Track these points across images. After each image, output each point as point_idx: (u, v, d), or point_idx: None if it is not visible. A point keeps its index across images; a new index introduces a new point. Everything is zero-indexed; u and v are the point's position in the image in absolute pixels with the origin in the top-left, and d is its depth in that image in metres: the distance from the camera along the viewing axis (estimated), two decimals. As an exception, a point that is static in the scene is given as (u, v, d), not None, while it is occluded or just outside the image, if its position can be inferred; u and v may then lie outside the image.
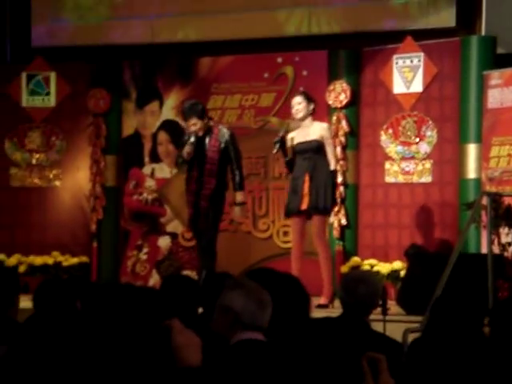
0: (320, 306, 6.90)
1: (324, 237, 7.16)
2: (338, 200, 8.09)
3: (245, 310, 2.76)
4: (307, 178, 7.02)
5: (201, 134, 7.07)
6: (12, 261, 8.78)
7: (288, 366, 2.65)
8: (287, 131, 7.21)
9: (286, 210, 7.33)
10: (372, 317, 3.98)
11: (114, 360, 2.07)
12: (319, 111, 7.55)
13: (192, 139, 7.03)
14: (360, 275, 4.07)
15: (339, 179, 8.13)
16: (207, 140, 7.07)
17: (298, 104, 7.14)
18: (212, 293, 3.80)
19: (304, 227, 7.12)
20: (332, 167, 7.13)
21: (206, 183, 7.02)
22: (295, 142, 7.16)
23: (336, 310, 6.60)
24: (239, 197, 7.13)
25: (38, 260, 8.77)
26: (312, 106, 7.16)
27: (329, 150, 7.13)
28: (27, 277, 8.47)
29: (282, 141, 7.10)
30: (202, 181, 7.02)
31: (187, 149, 7.01)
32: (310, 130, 7.13)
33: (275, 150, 7.17)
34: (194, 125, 7.05)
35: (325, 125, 7.29)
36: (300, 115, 7.14)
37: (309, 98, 7.17)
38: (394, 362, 2.42)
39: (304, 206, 7.02)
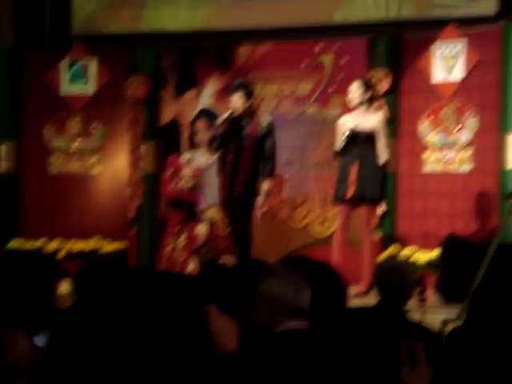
0: (357, 295, 6.87)
1: (371, 226, 7.11)
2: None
3: (284, 295, 2.76)
4: (355, 166, 6.97)
5: (238, 113, 7.01)
6: (52, 245, 8.87)
7: (329, 356, 2.64)
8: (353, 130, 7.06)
9: (334, 196, 7.27)
10: (410, 306, 3.95)
11: (153, 345, 2.08)
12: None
13: (225, 115, 6.98)
14: (393, 265, 4.03)
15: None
16: (247, 126, 7.05)
17: (355, 91, 7.07)
18: (245, 280, 3.80)
19: (349, 216, 7.07)
20: (383, 160, 7.06)
21: (242, 169, 7.00)
22: (347, 126, 7.09)
23: (373, 300, 6.59)
24: (267, 185, 7.10)
25: (78, 245, 8.85)
26: (369, 95, 7.08)
27: (381, 142, 7.05)
28: (67, 262, 8.56)
29: (347, 140, 6.97)
30: (238, 166, 7.00)
31: (220, 124, 6.95)
32: (365, 119, 7.06)
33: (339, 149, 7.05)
34: (236, 100, 7.01)
35: (379, 116, 7.21)
36: (355, 102, 7.07)
37: (367, 86, 7.08)
38: (431, 352, 2.40)
39: (350, 194, 6.98)
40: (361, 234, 7.11)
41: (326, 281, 3.16)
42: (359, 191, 6.95)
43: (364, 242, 7.07)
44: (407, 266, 4.58)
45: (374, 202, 7.04)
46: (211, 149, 7.67)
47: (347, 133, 6.96)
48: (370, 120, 7.04)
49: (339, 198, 7.07)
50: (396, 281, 3.76)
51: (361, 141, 7.00)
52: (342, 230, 7.05)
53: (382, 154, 7.05)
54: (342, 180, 7.03)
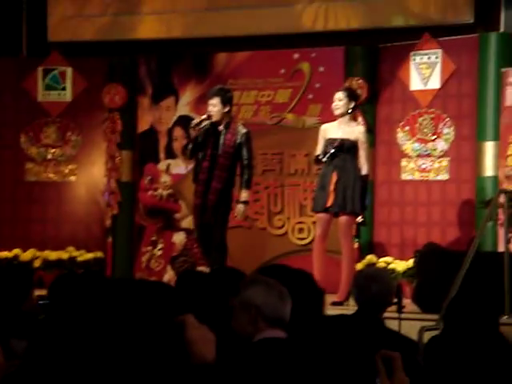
0: (335, 304, 6.87)
1: (350, 237, 7.10)
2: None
3: (266, 304, 2.74)
4: (335, 176, 6.96)
5: (214, 119, 6.98)
6: (27, 255, 8.80)
7: (306, 365, 2.62)
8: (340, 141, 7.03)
9: (313, 205, 7.27)
10: (387, 314, 3.95)
11: (129, 355, 2.06)
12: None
13: (199, 119, 6.96)
14: (373, 273, 4.03)
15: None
16: (224, 133, 7.03)
17: (339, 100, 7.05)
18: (220, 288, 3.79)
19: (329, 225, 7.06)
20: (364, 172, 7.04)
21: (218, 176, 6.97)
22: (328, 135, 7.07)
23: (351, 308, 6.58)
24: (245, 194, 7.06)
25: (53, 255, 8.78)
26: (352, 105, 7.06)
27: (362, 154, 7.03)
28: (42, 271, 8.49)
29: (336, 149, 6.94)
30: (213, 173, 6.96)
31: (195, 126, 6.92)
32: (346, 129, 7.04)
33: (324, 159, 7.01)
34: (213, 105, 6.97)
35: (362, 128, 7.20)
36: (338, 112, 7.04)
37: (351, 96, 7.06)
38: (408, 361, 2.39)
39: (329, 203, 6.97)
40: (340, 244, 7.10)
41: (303, 289, 3.15)
42: (339, 201, 6.94)
43: (343, 252, 7.06)
44: (387, 274, 4.58)
45: (354, 213, 7.03)
46: (184, 156, 7.63)
47: (336, 143, 6.94)
48: (352, 131, 7.04)
49: (318, 207, 7.06)
50: (377, 289, 3.77)
51: (343, 151, 6.99)
52: (321, 239, 7.05)
53: (364, 165, 7.05)
54: (322, 189, 7.03)
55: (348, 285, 7.02)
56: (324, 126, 7.19)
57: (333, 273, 7.06)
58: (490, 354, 2.31)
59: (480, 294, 3.54)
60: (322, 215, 7.04)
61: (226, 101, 6.99)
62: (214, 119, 6.97)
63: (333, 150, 6.92)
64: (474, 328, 3.11)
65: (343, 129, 7.02)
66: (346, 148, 6.98)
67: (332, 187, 6.95)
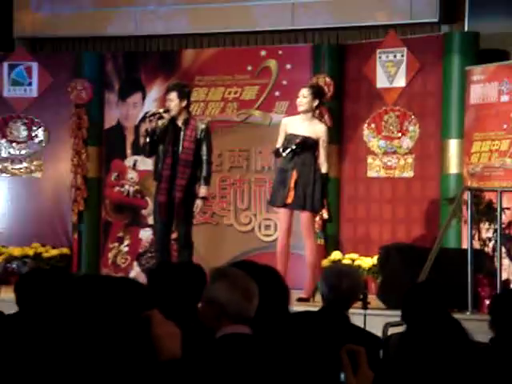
0: (300, 300, 6.91)
1: (312, 234, 7.14)
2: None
3: (230, 302, 2.73)
4: (295, 173, 7.00)
5: (172, 113, 6.98)
6: (-8, 251, 8.73)
7: (270, 361, 2.64)
8: (302, 138, 7.04)
9: (270, 199, 7.30)
10: (352, 310, 3.99)
11: (95, 352, 2.07)
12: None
13: (156, 110, 6.98)
14: (343, 270, 4.07)
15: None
16: (183, 130, 7.03)
17: (303, 97, 7.07)
18: (186, 284, 3.81)
19: (290, 221, 7.10)
20: (324, 170, 7.09)
21: (181, 172, 6.96)
22: (289, 130, 7.10)
23: (317, 304, 6.62)
24: (203, 190, 7.06)
25: (18, 251, 8.72)
26: (317, 103, 7.08)
27: (323, 152, 7.07)
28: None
29: (297, 146, 6.96)
30: (177, 170, 6.96)
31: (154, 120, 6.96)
32: (308, 127, 7.06)
33: (284, 154, 7.02)
34: (170, 100, 6.99)
35: (323, 126, 7.21)
36: (302, 108, 7.07)
37: (315, 93, 7.07)
38: (372, 356, 2.43)
39: (289, 200, 7.00)
40: (304, 242, 7.14)
41: (269, 285, 3.17)
42: (299, 198, 6.98)
43: (306, 249, 7.10)
44: (357, 271, 4.63)
45: (314, 211, 7.08)
46: (143, 154, 7.61)
47: (298, 140, 6.96)
48: (314, 129, 7.07)
49: (277, 202, 7.10)
50: (347, 285, 3.80)
51: (304, 148, 7.02)
52: (284, 236, 7.08)
53: (324, 163, 7.09)
54: (282, 184, 7.06)
55: (313, 280, 7.07)
56: (285, 120, 7.23)
57: (296, 268, 7.09)
58: (449, 347, 2.36)
59: (432, 286, 3.60)
60: (283, 211, 7.08)
61: (183, 95, 7.01)
62: (172, 113, 6.98)
63: (294, 147, 6.95)
64: (429, 321, 3.15)
65: (306, 126, 7.05)
66: (308, 146, 7.02)
67: (292, 184, 6.99)
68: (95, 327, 2.08)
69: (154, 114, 7.04)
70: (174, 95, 6.98)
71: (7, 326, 3.32)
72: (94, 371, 2.03)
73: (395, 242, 7.67)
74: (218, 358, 2.56)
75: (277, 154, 7.17)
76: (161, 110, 7.07)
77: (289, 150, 6.97)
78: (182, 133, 6.99)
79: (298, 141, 6.95)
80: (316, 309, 3.97)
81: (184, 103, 7.00)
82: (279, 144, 7.10)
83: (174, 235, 7.25)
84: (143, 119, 8.90)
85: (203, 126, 7.07)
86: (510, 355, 2.98)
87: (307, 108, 7.04)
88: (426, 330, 2.29)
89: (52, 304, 3.57)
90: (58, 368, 2.12)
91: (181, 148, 6.96)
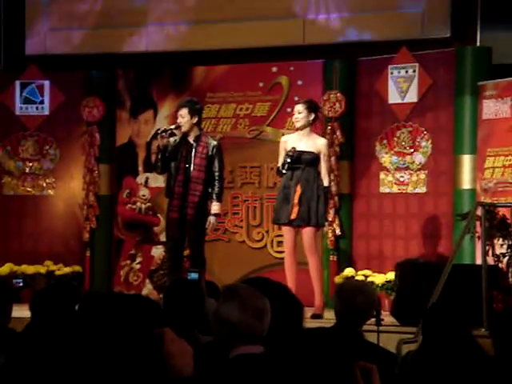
0: (314, 317, 6.87)
1: (315, 249, 7.12)
2: (331, 211, 8.09)
3: (241, 322, 2.70)
4: (299, 189, 7.00)
5: (183, 130, 6.98)
6: (4, 270, 8.73)
7: (282, 380, 2.61)
8: (295, 149, 7.07)
9: (274, 217, 7.29)
10: (366, 327, 3.95)
11: (108, 368, 2.05)
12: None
13: (168, 132, 6.99)
14: (357, 286, 4.05)
15: (333, 189, 8.13)
16: (195, 147, 7.03)
17: (299, 113, 7.10)
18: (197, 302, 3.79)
19: (295, 238, 7.09)
20: (326, 183, 7.10)
21: (193, 189, 6.96)
22: (289, 147, 7.12)
23: (328, 321, 6.59)
24: (216, 207, 7.04)
25: (31, 269, 8.72)
26: (313, 117, 7.10)
27: (324, 166, 7.09)
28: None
29: (292, 158, 7.00)
30: (189, 187, 6.96)
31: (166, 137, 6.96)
32: (308, 142, 7.08)
33: (284, 172, 7.07)
34: (181, 116, 6.99)
35: (323, 140, 7.23)
36: (299, 124, 7.10)
37: (310, 108, 7.09)
38: (387, 373, 2.40)
39: (293, 216, 7.00)
40: (307, 257, 7.11)
41: (282, 301, 3.15)
42: (303, 214, 6.97)
43: (310, 265, 7.07)
44: (371, 287, 4.61)
45: (318, 226, 7.07)
46: (155, 170, 7.61)
47: (291, 153, 6.99)
48: (315, 143, 7.08)
49: (281, 219, 7.09)
50: (361, 302, 3.77)
51: (304, 163, 7.03)
52: (290, 253, 7.07)
53: (325, 177, 7.10)
54: (285, 201, 7.05)
55: (322, 296, 7.04)
56: (284, 138, 7.26)
57: (305, 284, 7.06)
58: (467, 366, 2.33)
59: (456, 305, 3.56)
60: (287, 228, 7.07)
61: (195, 112, 7.01)
62: (183, 130, 6.99)
63: (289, 160, 6.97)
64: (450, 340, 3.12)
65: (305, 141, 7.07)
66: (309, 161, 7.03)
67: (296, 200, 6.99)
68: (108, 344, 2.06)
69: (165, 131, 7.05)
70: (185, 111, 6.99)
71: (21, 342, 3.31)
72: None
73: (408, 257, 7.63)
74: (231, 380, 2.53)
75: (278, 172, 7.20)
76: (172, 127, 7.08)
77: (286, 165, 6.98)
78: (193, 149, 6.99)
79: (291, 153, 6.96)
80: (328, 325, 3.93)
81: (195, 120, 7.01)
82: (280, 163, 7.12)
83: (186, 252, 7.23)
84: (155, 136, 8.91)
85: (215, 143, 7.08)
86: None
87: (304, 123, 7.06)
88: (444, 347, 2.27)
89: (66, 321, 3.56)
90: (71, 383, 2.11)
91: (192, 165, 6.96)
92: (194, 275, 3.85)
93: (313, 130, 7.19)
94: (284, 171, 7.04)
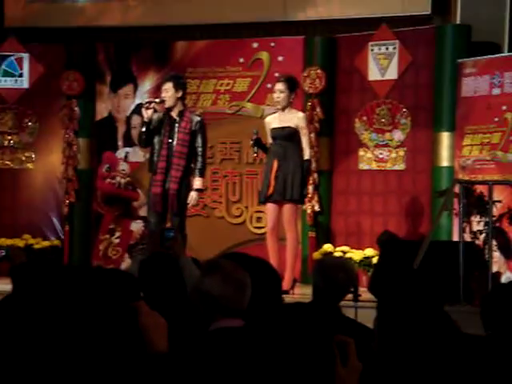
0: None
1: (294, 225, 7.14)
2: (310, 188, 8.12)
3: (223, 295, 2.72)
4: (275, 164, 7.03)
5: (168, 104, 6.98)
6: (-17, 243, 8.71)
7: (261, 354, 2.64)
8: (257, 132, 7.15)
9: (259, 196, 7.37)
10: (344, 303, 3.99)
11: (86, 341, 2.06)
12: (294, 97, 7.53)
13: (153, 100, 6.98)
14: (340, 262, 4.07)
15: (313, 165, 8.16)
16: (178, 122, 7.03)
17: (280, 92, 7.09)
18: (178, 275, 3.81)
19: (276, 213, 7.12)
20: (306, 157, 7.12)
21: (176, 164, 6.97)
22: (271, 126, 7.15)
23: (296, 297, 6.64)
24: (198, 182, 7.06)
25: (9, 242, 8.70)
26: (293, 96, 7.11)
27: (304, 139, 7.12)
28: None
29: (258, 142, 7.08)
30: (172, 161, 6.97)
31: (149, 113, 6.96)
32: (286, 117, 7.11)
33: (254, 154, 7.19)
34: (166, 90, 6.99)
35: (301, 114, 7.24)
36: (281, 104, 7.10)
37: (292, 87, 7.09)
38: (364, 347, 2.43)
39: (271, 191, 7.03)
40: (285, 232, 7.15)
41: (262, 276, 3.17)
42: (279, 189, 7.00)
43: (288, 240, 7.10)
44: (351, 263, 4.64)
45: (295, 201, 7.09)
46: (139, 144, 7.59)
47: (253, 137, 7.06)
48: (292, 117, 7.10)
49: (261, 197, 7.15)
50: (343, 278, 3.80)
51: (282, 139, 7.05)
52: (271, 231, 7.09)
53: (306, 150, 7.12)
54: (265, 178, 7.11)
55: (292, 273, 7.08)
56: (267, 119, 7.31)
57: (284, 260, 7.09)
58: (440, 341, 2.36)
59: (436, 281, 3.60)
60: (269, 205, 7.11)
61: (179, 86, 7.01)
62: (167, 104, 6.98)
63: (251, 142, 7.04)
64: (422, 313, 3.15)
65: (283, 117, 7.09)
66: (285, 136, 7.06)
67: (273, 175, 7.02)
68: (85, 317, 2.08)
69: (149, 102, 7.03)
70: (169, 85, 6.98)
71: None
72: (84, 360, 2.03)
73: (386, 230, 7.66)
74: (209, 353, 2.56)
75: (253, 153, 7.26)
76: (157, 100, 7.06)
77: (254, 154, 7.14)
78: (176, 124, 6.99)
79: (253, 137, 7.04)
80: (295, 301, 3.96)
81: (179, 94, 7.01)
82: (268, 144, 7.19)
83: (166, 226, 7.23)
84: (135, 111, 8.89)
85: (198, 119, 7.08)
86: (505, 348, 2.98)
87: (286, 103, 7.07)
88: (415, 322, 2.30)
89: (44, 294, 3.57)
90: (49, 355, 2.12)
91: (176, 140, 6.97)
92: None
93: (292, 105, 7.20)
94: (255, 155, 7.10)
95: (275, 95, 7.15)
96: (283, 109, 7.09)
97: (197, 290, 2.78)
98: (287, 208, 7.04)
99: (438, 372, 2.34)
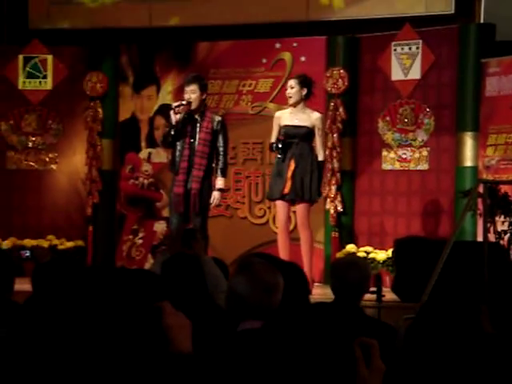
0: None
1: (308, 224, 7.13)
2: (333, 188, 8.11)
3: (249, 296, 2.70)
4: (292, 163, 7.02)
5: (193, 106, 6.98)
6: (7, 244, 8.77)
7: (278, 356, 2.63)
8: (285, 133, 7.10)
9: (268, 192, 7.34)
10: (367, 303, 3.98)
11: (108, 342, 2.07)
12: (317, 97, 7.53)
13: (180, 103, 6.96)
14: (350, 260, 4.06)
15: (336, 165, 8.15)
16: (199, 121, 7.03)
17: (291, 88, 7.11)
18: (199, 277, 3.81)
19: (288, 212, 7.12)
20: (320, 158, 7.12)
21: (198, 164, 6.97)
22: (283, 122, 7.13)
23: (316, 297, 6.63)
24: (220, 182, 7.07)
25: (34, 243, 8.75)
26: (305, 92, 7.10)
27: (319, 140, 7.11)
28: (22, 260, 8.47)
29: (284, 143, 7.04)
30: (194, 161, 6.97)
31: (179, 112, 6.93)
32: (302, 116, 7.09)
33: (279, 156, 7.11)
34: (192, 92, 6.97)
35: (318, 114, 7.22)
36: (292, 100, 7.10)
37: (302, 83, 7.10)
38: (387, 347, 2.42)
39: (286, 191, 7.02)
40: (299, 233, 7.13)
41: (291, 279, 3.16)
42: (296, 189, 6.99)
43: (302, 241, 7.09)
44: (363, 261, 4.62)
45: (310, 202, 7.08)
46: (163, 145, 7.59)
47: (281, 137, 7.01)
48: (308, 117, 7.08)
49: (274, 194, 7.11)
50: (354, 276, 3.79)
51: (298, 138, 7.04)
52: (283, 229, 7.08)
53: (320, 151, 7.11)
54: (278, 176, 7.07)
55: (310, 273, 7.07)
56: (278, 114, 7.27)
57: (297, 260, 7.08)
58: (469, 345, 2.34)
59: (460, 282, 3.58)
60: (280, 203, 7.09)
61: (203, 88, 7.03)
62: (193, 106, 6.99)
63: (280, 145, 7.00)
64: (453, 317, 3.13)
65: (299, 116, 7.07)
66: (302, 135, 7.04)
67: (289, 174, 7.00)
68: (109, 317, 2.08)
69: (178, 106, 7.01)
70: (195, 87, 6.98)
71: (22, 316, 3.33)
72: (106, 360, 2.03)
73: (410, 235, 7.65)
74: (229, 355, 2.55)
75: (271, 148, 7.22)
76: (184, 102, 7.05)
77: (276, 146, 6.99)
78: (198, 124, 7.00)
79: (282, 138, 6.98)
80: (318, 302, 3.96)
81: (204, 96, 7.03)
82: (273, 139, 7.13)
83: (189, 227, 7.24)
84: (158, 112, 8.91)
85: (219, 118, 7.09)
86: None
87: (297, 98, 7.07)
88: (447, 325, 2.29)
89: (68, 294, 3.59)
90: (71, 355, 2.13)
91: (197, 139, 6.98)
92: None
93: (308, 104, 7.19)
94: (279, 156, 7.05)
95: (287, 92, 7.17)
96: (295, 105, 7.08)
97: (228, 287, 2.78)
98: (302, 207, 7.04)
99: (467, 375, 2.33)
